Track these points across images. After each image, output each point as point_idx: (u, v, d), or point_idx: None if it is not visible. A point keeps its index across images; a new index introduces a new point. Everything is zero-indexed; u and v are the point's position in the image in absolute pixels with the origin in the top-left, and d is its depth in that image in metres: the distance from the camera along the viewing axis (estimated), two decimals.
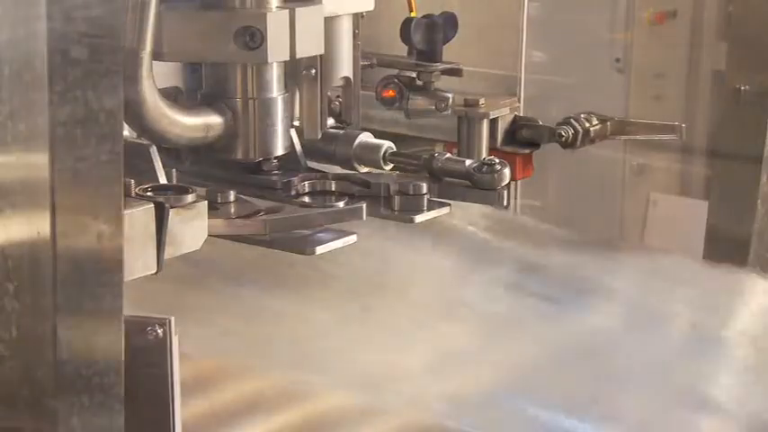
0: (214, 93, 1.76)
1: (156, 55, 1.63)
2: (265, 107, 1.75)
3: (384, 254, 2.03)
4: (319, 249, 1.74)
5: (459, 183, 1.89)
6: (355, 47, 1.93)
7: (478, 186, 1.87)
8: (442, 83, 2.41)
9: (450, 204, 1.91)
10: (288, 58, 1.73)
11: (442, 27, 2.38)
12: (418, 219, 1.86)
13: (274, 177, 1.89)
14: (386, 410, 1.73)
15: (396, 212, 1.87)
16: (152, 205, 1.47)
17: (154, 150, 1.71)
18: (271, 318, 1.87)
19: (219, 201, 1.71)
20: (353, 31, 1.93)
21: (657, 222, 3.60)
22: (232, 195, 1.73)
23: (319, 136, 1.90)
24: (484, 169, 1.88)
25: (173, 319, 1.36)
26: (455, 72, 2.42)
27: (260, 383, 1.74)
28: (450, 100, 2.37)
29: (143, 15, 1.59)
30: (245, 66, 1.73)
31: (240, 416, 1.68)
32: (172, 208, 1.49)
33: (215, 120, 1.74)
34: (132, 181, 1.47)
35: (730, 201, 2.50)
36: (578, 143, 2.72)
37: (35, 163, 1.15)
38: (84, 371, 1.20)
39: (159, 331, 1.35)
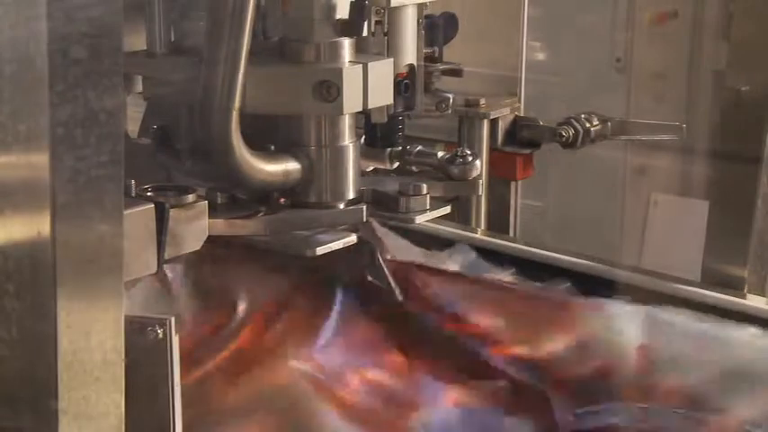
0: (290, 140, 1.80)
1: (241, 107, 1.66)
2: (338, 154, 1.79)
3: None
4: (319, 250, 1.74)
5: (433, 174, 1.92)
6: (419, 36, 1.96)
7: (450, 177, 1.89)
8: (442, 83, 2.41)
9: (449, 204, 1.91)
10: (361, 109, 1.78)
11: (442, 27, 2.39)
12: (419, 219, 1.86)
13: None
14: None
15: (396, 213, 1.87)
16: (152, 205, 1.47)
17: (154, 150, 1.71)
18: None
19: (219, 201, 1.71)
20: (417, 20, 1.95)
21: (658, 222, 3.60)
22: (232, 195, 1.73)
23: (385, 119, 1.93)
24: (456, 161, 1.90)
25: (173, 319, 1.36)
26: (455, 72, 2.43)
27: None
28: (451, 100, 2.37)
29: (233, 71, 1.61)
30: (319, 116, 1.77)
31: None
32: (172, 208, 1.49)
33: (294, 166, 1.77)
34: (132, 181, 1.47)
35: (730, 201, 2.50)
36: (579, 143, 2.72)
37: (35, 163, 1.15)
38: (84, 371, 1.20)
39: (159, 331, 1.35)
